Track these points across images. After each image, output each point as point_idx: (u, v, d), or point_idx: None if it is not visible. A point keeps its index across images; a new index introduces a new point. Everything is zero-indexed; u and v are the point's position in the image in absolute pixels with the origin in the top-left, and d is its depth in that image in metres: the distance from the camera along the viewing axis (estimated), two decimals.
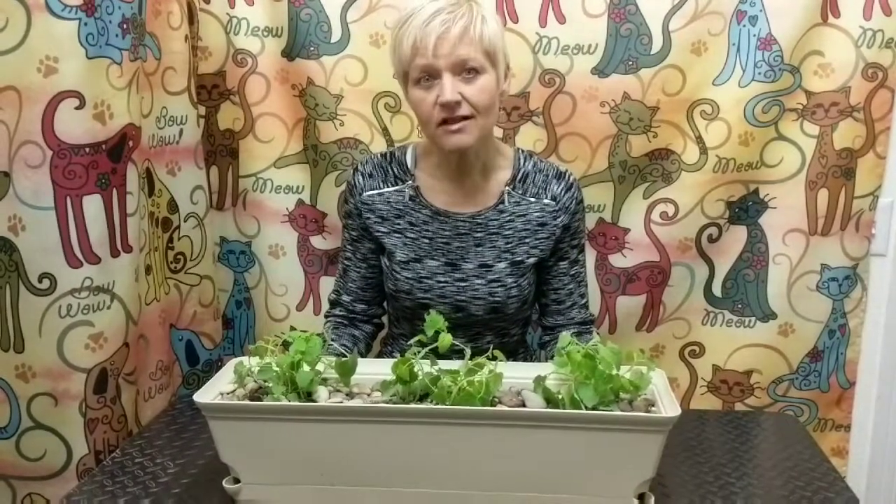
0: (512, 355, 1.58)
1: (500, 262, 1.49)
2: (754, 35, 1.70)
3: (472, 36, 1.35)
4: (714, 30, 1.72)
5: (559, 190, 1.51)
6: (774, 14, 1.69)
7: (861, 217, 1.78)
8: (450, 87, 1.34)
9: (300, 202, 1.89)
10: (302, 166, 1.88)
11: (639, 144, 1.78)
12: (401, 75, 1.42)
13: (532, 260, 1.50)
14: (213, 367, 1.87)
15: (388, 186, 1.53)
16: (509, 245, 1.50)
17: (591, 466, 1.11)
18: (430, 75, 1.36)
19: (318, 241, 1.91)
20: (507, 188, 1.50)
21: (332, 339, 1.47)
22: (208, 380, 1.79)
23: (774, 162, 1.77)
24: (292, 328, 1.90)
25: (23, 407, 1.43)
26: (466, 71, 1.36)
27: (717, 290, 1.86)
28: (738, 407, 1.88)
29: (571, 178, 1.53)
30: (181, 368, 1.83)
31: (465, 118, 1.37)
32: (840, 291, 1.82)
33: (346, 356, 1.25)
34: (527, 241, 1.50)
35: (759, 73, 1.71)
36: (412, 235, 1.51)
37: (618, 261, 1.85)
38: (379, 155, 1.57)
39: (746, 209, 1.80)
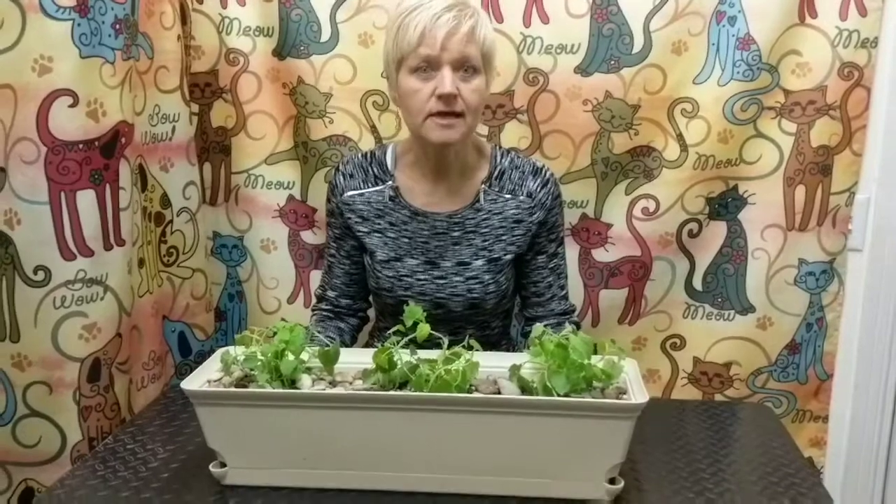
0: (495, 347, 1.62)
1: (477, 259, 1.53)
2: (733, 35, 1.74)
3: (477, 37, 1.40)
4: (694, 30, 1.76)
5: (535, 186, 1.55)
6: (753, 14, 1.73)
7: (838, 213, 1.82)
8: (450, 80, 1.39)
9: (291, 198, 1.93)
10: (292, 163, 1.92)
11: (621, 142, 1.82)
12: (395, 62, 1.44)
13: (509, 257, 1.54)
14: (206, 358, 1.90)
15: (368, 186, 1.57)
16: (486, 243, 1.54)
17: (563, 451, 1.16)
18: (430, 66, 1.40)
19: (308, 236, 1.95)
20: (482, 186, 1.54)
21: (318, 332, 1.51)
22: None
23: (753, 159, 1.81)
24: (283, 321, 1.94)
25: (18, 395, 1.47)
26: (465, 70, 1.41)
27: (697, 284, 1.90)
28: (718, 398, 1.92)
29: (548, 174, 1.57)
30: (174, 359, 1.87)
31: (457, 115, 1.41)
32: (817, 285, 1.86)
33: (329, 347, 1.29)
34: (503, 238, 1.54)
35: (738, 73, 1.75)
36: (392, 235, 1.55)
37: (600, 255, 1.89)
38: (360, 155, 1.61)
39: (726, 205, 1.85)
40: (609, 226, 1.87)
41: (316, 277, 1.94)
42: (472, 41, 1.40)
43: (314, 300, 1.70)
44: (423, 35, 1.38)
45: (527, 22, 1.78)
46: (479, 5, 1.47)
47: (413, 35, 1.38)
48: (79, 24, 1.40)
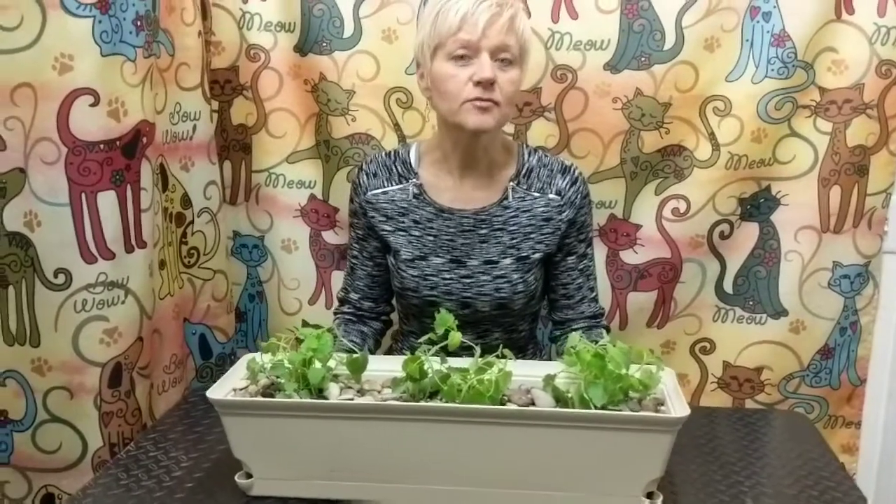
0: (521, 351, 1.59)
1: (505, 258, 1.50)
2: (768, 31, 1.70)
3: (516, 28, 1.40)
4: (727, 26, 1.71)
5: (564, 184, 1.51)
6: (788, 10, 1.68)
7: (874, 214, 1.77)
8: (489, 66, 1.37)
9: (312, 197, 1.90)
10: (314, 161, 1.88)
11: (651, 140, 1.78)
12: (432, 48, 1.42)
13: (538, 255, 1.51)
14: (227, 360, 1.89)
15: (392, 185, 1.54)
16: (514, 241, 1.50)
17: (600, 465, 1.12)
18: (468, 53, 1.38)
19: (329, 236, 1.91)
20: (510, 184, 1.51)
21: (342, 336, 1.49)
22: (221, 373, 1.82)
23: (787, 159, 1.77)
24: (304, 322, 1.92)
25: (39, 400, 1.45)
26: (502, 60, 1.39)
27: (728, 286, 1.86)
28: (749, 403, 1.88)
29: (577, 173, 1.54)
30: (194, 362, 1.85)
31: (494, 102, 1.39)
32: (852, 289, 1.81)
33: (354, 351, 1.26)
34: (532, 236, 1.50)
35: (773, 70, 1.70)
36: (417, 233, 1.52)
37: (629, 257, 1.85)
38: (383, 154, 1.58)
39: (758, 206, 1.80)
40: (638, 227, 1.83)
41: (337, 278, 1.91)
42: (511, 31, 1.39)
43: (336, 303, 1.67)
44: (465, 20, 1.37)
45: (555, 17, 1.74)
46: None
47: (454, 20, 1.37)
48: (100, 22, 1.37)
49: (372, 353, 1.55)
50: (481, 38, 1.37)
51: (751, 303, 1.85)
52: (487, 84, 1.37)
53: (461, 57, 1.38)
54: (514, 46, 1.40)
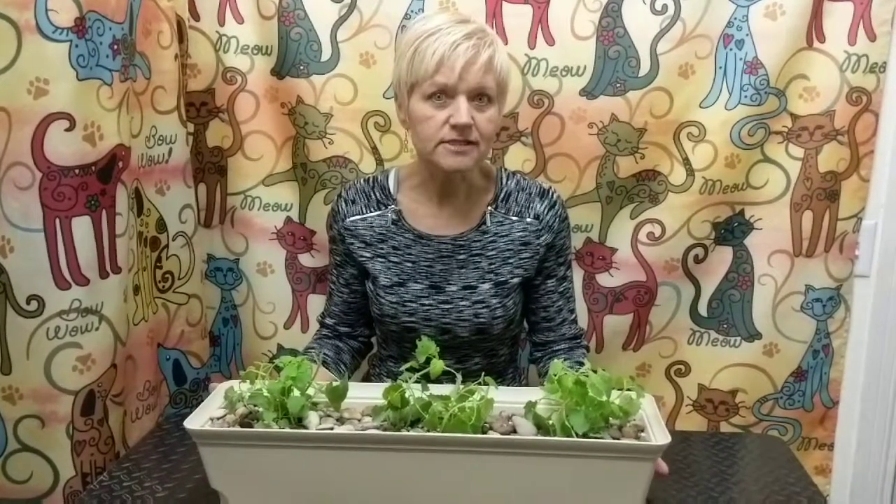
0: (501, 376, 1.58)
1: (483, 283, 1.50)
2: (741, 59, 1.72)
3: (494, 66, 1.37)
4: (701, 53, 1.74)
5: (542, 208, 1.52)
6: (761, 38, 1.71)
7: (845, 239, 1.80)
8: (465, 110, 1.36)
9: (289, 220, 1.89)
10: (291, 184, 1.87)
11: (626, 165, 1.79)
12: (408, 86, 1.40)
13: (516, 280, 1.51)
14: (201, 385, 1.87)
15: (370, 211, 1.53)
16: (493, 266, 1.50)
17: (582, 492, 1.12)
18: (445, 94, 1.37)
19: (306, 259, 1.90)
20: (488, 208, 1.51)
21: (313, 346, 1.51)
22: (195, 399, 1.80)
23: (760, 184, 1.79)
24: (280, 346, 1.91)
25: (9, 429, 1.42)
26: (479, 99, 1.38)
27: (703, 309, 1.87)
28: (724, 426, 1.90)
29: (555, 196, 1.54)
30: (168, 388, 1.82)
31: (470, 143, 1.39)
32: (824, 312, 1.84)
33: (327, 362, 1.24)
34: (510, 261, 1.50)
35: (746, 97, 1.73)
36: (395, 259, 1.51)
37: (605, 280, 1.86)
38: (362, 180, 1.58)
39: (732, 230, 1.82)
40: (614, 250, 1.84)
41: (313, 301, 1.90)
42: (489, 71, 1.37)
43: (314, 323, 1.66)
44: (441, 63, 1.35)
45: (532, 43, 1.75)
46: (494, 32, 1.44)
47: (430, 62, 1.35)
48: (76, 46, 1.35)
49: (348, 367, 1.55)
50: (458, 81, 1.35)
51: (725, 326, 1.87)
52: (465, 128, 1.36)
53: (438, 97, 1.37)
54: (492, 86, 1.38)
